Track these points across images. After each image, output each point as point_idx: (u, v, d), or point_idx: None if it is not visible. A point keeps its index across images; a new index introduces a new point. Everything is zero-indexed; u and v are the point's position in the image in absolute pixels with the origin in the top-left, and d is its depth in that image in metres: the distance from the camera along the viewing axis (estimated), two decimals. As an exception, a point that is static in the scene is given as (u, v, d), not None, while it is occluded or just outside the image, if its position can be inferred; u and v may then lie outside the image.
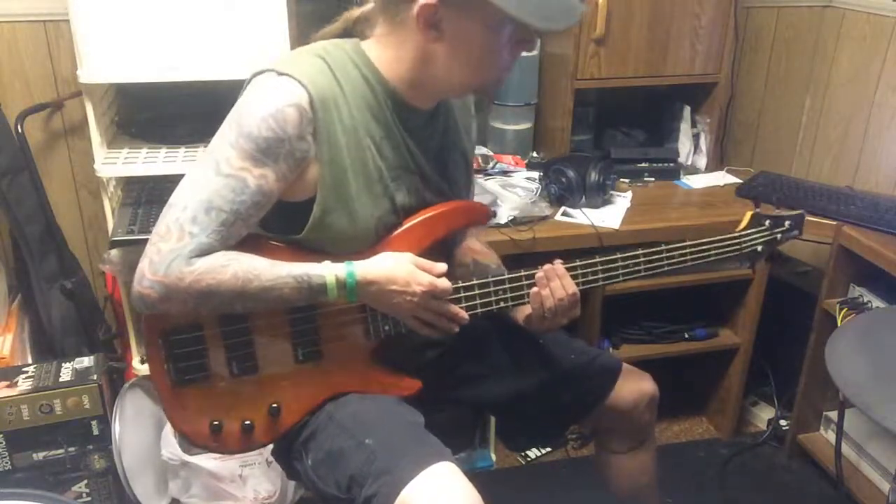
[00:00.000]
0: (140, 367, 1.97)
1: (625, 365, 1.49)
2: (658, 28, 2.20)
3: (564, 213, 2.08)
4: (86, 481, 1.84)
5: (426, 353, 1.37)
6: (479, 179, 2.13)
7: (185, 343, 1.21)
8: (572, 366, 1.45)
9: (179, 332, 1.20)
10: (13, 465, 1.76)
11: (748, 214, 1.46)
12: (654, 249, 1.34)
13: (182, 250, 1.10)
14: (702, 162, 2.44)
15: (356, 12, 1.23)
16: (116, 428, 1.83)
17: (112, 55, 1.70)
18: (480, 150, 2.32)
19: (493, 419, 2.20)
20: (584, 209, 2.09)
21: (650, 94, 2.45)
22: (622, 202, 2.16)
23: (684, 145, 2.44)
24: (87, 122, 1.77)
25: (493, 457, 2.26)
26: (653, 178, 2.33)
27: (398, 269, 1.17)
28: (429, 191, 1.28)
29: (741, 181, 2.32)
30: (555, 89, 2.29)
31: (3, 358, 1.87)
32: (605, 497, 1.60)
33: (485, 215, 1.37)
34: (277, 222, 1.20)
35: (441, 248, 1.31)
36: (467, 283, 1.25)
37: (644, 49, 2.21)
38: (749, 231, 1.45)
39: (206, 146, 1.15)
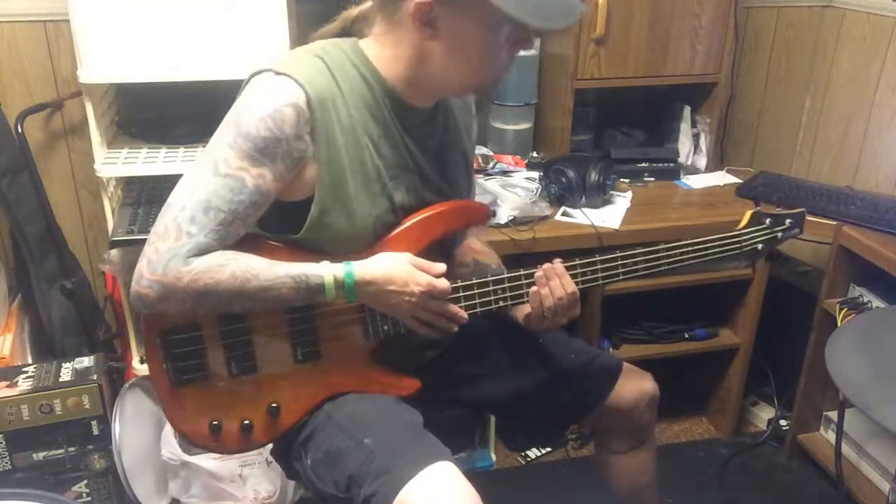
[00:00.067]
0: (140, 367, 1.97)
1: (625, 364, 1.48)
2: (658, 28, 2.20)
3: (564, 213, 2.08)
4: (86, 481, 1.83)
5: (425, 352, 1.37)
6: (479, 179, 2.13)
7: (184, 343, 1.21)
8: (572, 365, 1.45)
9: (178, 331, 1.20)
10: (13, 465, 1.76)
11: (748, 213, 1.45)
12: (653, 248, 1.34)
13: (180, 250, 1.10)
14: (702, 162, 2.44)
15: (354, 11, 1.23)
16: (116, 428, 1.83)
17: (112, 55, 1.70)
18: (480, 150, 2.32)
19: (492, 419, 2.20)
20: (584, 209, 2.08)
21: (650, 94, 2.45)
22: (622, 202, 2.16)
23: (684, 145, 2.43)
24: (87, 122, 1.77)
25: (493, 457, 2.26)
26: (653, 178, 2.33)
27: (396, 269, 1.17)
28: (428, 190, 1.27)
29: (741, 181, 2.32)
30: (555, 89, 2.29)
31: (3, 358, 1.87)
32: (605, 497, 1.60)
33: (484, 215, 1.36)
34: (275, 222, 1.20)
35: (441, 247, 1.31)
36: (466, 283, 1.25)
37: (644, 49, 2.21)
38: (749, 229, 1.44)
39: (205, 146, 1.15)
